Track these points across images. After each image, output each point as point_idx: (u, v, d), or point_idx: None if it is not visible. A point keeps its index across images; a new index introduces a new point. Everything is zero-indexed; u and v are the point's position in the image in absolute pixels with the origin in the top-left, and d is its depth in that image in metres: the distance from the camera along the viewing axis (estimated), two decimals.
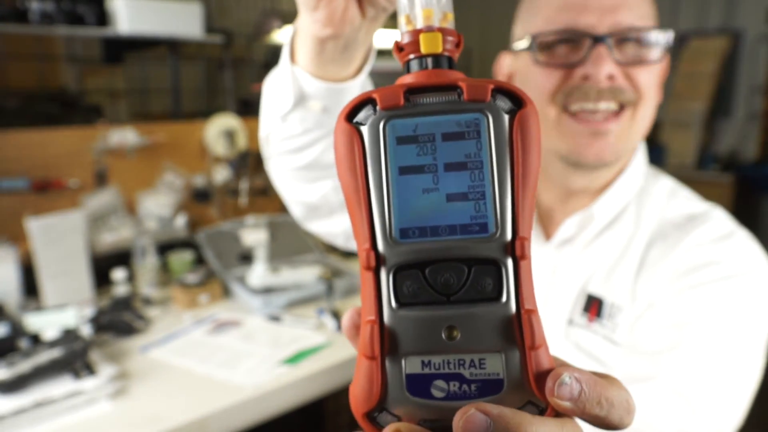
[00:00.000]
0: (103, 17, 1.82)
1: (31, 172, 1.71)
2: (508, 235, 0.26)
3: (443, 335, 0.26)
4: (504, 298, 0.26)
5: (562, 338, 0.75)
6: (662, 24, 0.71)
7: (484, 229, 0.26)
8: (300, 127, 0.63)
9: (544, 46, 0.72)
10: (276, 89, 0.63)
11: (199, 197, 2.04)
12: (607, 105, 0.70)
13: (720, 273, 0.68)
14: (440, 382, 0.26)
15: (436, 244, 0.26)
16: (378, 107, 0.26)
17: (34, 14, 1.70)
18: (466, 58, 4.58)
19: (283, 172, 0.73)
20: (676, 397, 0.62)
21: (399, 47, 0.28)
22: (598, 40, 0.68)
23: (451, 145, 0.26)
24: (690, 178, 3.45)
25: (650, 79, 0.70)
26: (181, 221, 1.91)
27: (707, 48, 3.85)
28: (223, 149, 2.06)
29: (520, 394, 0.26)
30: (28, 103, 2.42)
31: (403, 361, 0.26)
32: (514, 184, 0.26)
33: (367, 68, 0.59)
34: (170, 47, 2.35)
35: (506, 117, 0.26)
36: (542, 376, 0.25)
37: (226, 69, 2.57)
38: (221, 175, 2.08)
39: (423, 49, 0.27)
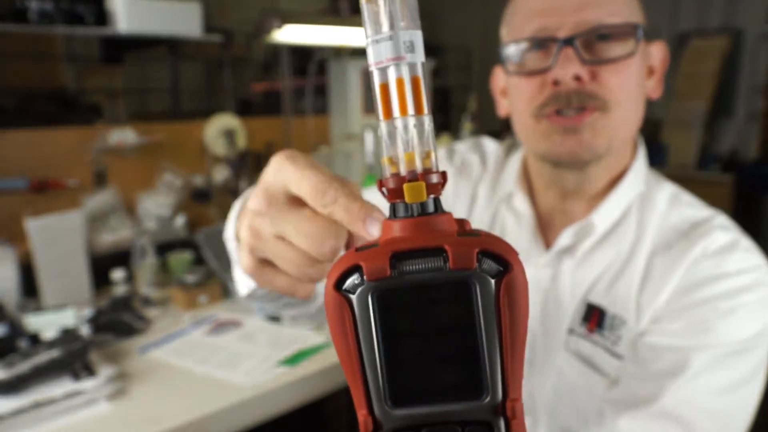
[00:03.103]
0: (102, 17, 1.81)
1: (30, 171, 1.70)
2: (499, 397, 0.27)
3: None
4: None
5: (562, 348, 0.74)
6: (662, 23, 0.70)
7: (476, 392, 0.27)
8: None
9: (515, 55, 0.71)
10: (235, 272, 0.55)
11: (198, 197, 2.03)
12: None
13: (725, 287, 0.67)
14: None
15: (430, 409, 0.27)
16: (365, 277, 0.26)
17: (33, 13, 1.70)
18: (466, 58, 4.58)
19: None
20: (676, 426, 0.62)
21: (383, 188, 0.28)
22: (563, 42, 0.66)
23: (440, 310, 0.26)
24: (690, 177, 3.45)
25: (624, 78, 0.68)
26: (180, 221, 1.91)
27: (708, 48, 3.84)
28: (222, 149, 2.05)
29: None
30: (27, 103, 2.41)
31: None
32: (503, 347, 0.26)
33: None
34: (170, 47, 2.35)
35: (492, 282, 0.26)
36: None
37: (226, 68, 2.56)
38: (221, 174, 2.07)
39: (407, 199, 0.27)
